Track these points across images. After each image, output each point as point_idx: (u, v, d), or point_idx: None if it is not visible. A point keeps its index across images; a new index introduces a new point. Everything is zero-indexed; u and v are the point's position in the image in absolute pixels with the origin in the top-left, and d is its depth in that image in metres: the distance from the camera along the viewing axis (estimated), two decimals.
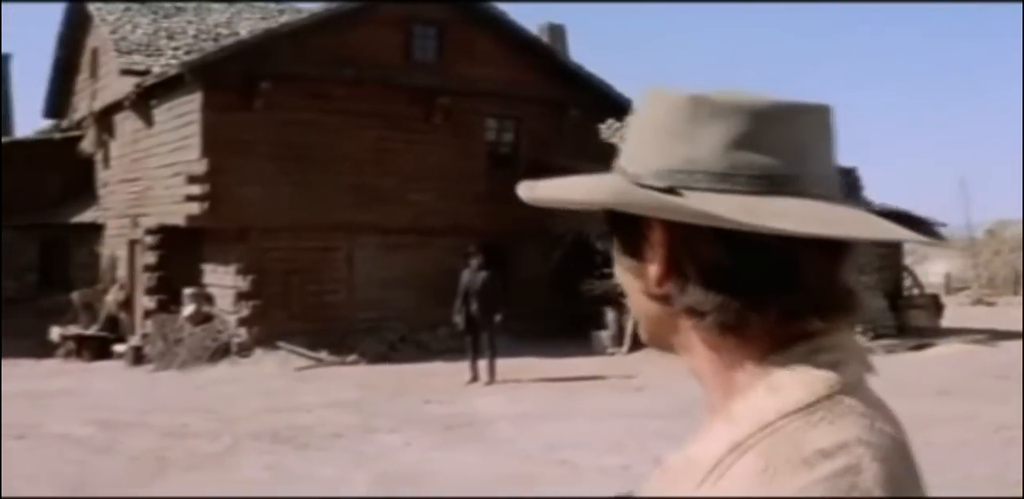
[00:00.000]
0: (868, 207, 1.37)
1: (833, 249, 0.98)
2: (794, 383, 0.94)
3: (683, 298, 0.99)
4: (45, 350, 20.40)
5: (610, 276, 20.65)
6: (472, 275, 14.50)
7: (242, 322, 17.53)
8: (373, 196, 18.29)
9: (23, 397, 14.64)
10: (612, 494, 1.09)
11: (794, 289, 0.96)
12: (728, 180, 0.97)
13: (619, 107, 21.24)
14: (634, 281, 1.05)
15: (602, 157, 21.12)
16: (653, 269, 1.01)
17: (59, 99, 25.42)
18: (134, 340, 19.29)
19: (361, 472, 8.80)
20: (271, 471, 8.97)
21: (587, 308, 19.18)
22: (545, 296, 19.38)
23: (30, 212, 22.73)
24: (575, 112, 20.40)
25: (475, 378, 14.36)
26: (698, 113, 0.99)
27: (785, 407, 0.92)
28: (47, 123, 26.47)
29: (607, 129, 22.82)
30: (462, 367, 14.96)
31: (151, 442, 10.62)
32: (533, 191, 1.08)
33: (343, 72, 18.02)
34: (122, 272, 21.17)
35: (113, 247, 21.75)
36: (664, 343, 1.07)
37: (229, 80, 17.34)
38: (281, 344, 17.27)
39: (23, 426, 11.92)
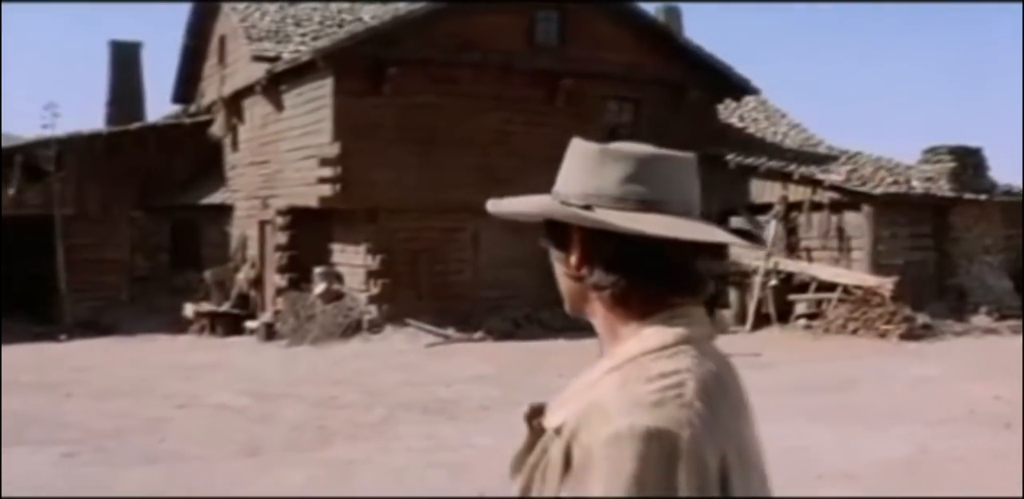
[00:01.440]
0: (719, 224, 1.63)
1: (690, 249, 1.49)
2: (654, 336, 1.48)
3: (590, 278, 1.53)
4: (179, 326, 21.28)
5: (724, 257, 20.78)
6: None
7: (372, 300, 18.12)
8: (496, 177, 18.66)
9: (172, 369, 15.43)
10: None
11: (660, 276, 1.50)
12: (621, 202, 1.51)
13: (738, 88, 21.34)
14: (560, 266, 1.59)
15: (720, 138, 21.30)
16: (573, 258, 1.55)
17: (187, 85, 26.31)
18: (266, 317, 20.05)
19: (517, 442, 9.19)
20: (431, 440, 9.42)
21: None
22: None
23: (162, 194, 23.64)
24: (694, 93, 20.55)
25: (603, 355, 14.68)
26: (604, 158, 1.55)
27: (644, 349, 1.46)
28: (173, 108, 27.42)
29: (725, 110, 22.91)
30: (585, 344, 15.22)
31: (306, 412, 11.17)
32: (497, 206, 1.63)
33: (467, 57, 18.43)
34: (252, 251, 21.94)
35: (243, 227, 22.53)
36: (580, 310, 1.60)
37: (358, 66, 17.86)
38: (410, 321, 17.82)
39: (182, 396, 12.62)
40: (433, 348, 16.89)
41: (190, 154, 24.10)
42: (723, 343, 1.54)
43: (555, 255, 1.58)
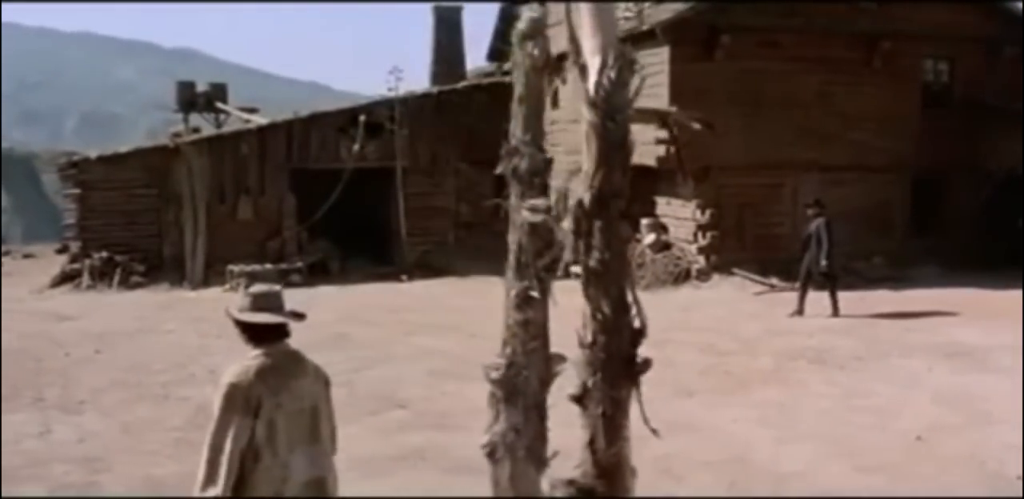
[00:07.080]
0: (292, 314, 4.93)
1: (273, 323, 4.55)
2: (252, 352, 4.49)
3: (243, 335, 4.55)
4: (504, 269, 23.44)
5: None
6: (808, 223, 16.61)
7: (700, 250, 19.79)
8: (816, 136, 19.90)
9: None
10: None
11: (256, 332, 4.52)
12: (248, 308, 4.51)
13: None
14: (237, 330, 4.62)
15: None
16: (240, 328, 4.58)
17: (502, 45, 28.35)
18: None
19: (915, 391, 10.61)
20: (836, 387, 10.96)
21: (1019, 242, 20.04)
22: (976, 230, 20.47)
23: (484, 147, 25.75)
24: (1010, 50, 21.00)
25: (799, 311, 16.13)
26: (246, 295, 4.56)
27: (247, 357, 4.48)
28: (484, 65, 29.56)
29: None
30: (909, 296, 16.59)
31: (700, 358, 12.77)
32: (230, 312, 4.59)
33: (792, 22, 19.58)
34: (572, 203, 23.85)
35: (563, 180, 24.41)
36: (247, 343, 4.57)
37: (692, 35, 19.35)
38: (736, 271, 19.40)
39: (573, 337, 14.51)
40: (762, 296, 18.36)
41: (509, 110, 26.11)
42: None
43: (237, 329, 4.48)
